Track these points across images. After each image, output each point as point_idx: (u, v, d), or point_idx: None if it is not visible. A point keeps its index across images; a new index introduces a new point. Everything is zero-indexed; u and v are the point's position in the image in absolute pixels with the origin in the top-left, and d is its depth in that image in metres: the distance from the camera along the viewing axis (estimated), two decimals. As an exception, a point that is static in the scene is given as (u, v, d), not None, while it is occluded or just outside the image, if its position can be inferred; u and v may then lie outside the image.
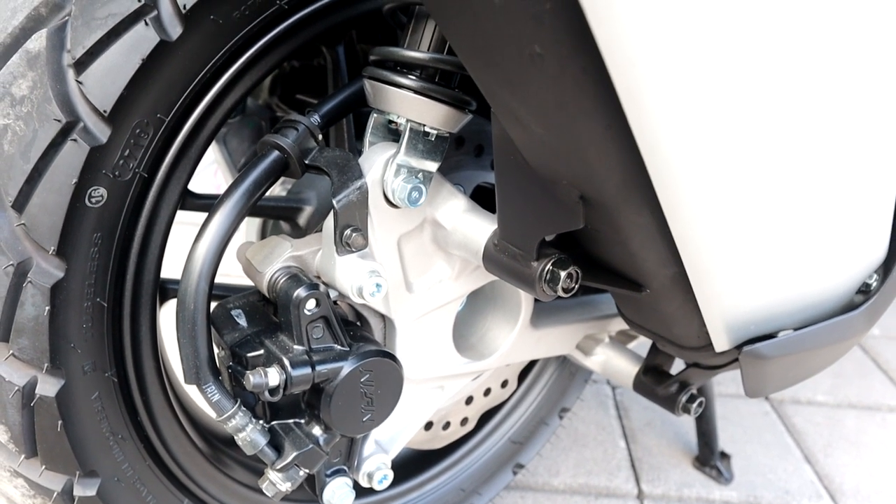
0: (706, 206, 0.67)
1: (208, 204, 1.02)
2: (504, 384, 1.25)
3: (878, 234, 0.89)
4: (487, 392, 1.24)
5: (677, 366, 1.17)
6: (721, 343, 0.89)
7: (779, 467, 1.74)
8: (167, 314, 0.92)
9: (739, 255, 0.75)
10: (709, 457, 1.68)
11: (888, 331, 2.45)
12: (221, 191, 0.83)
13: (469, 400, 1.21)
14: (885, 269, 0.95)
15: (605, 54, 0.51)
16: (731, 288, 0.79)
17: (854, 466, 1.76)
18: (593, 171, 0.67)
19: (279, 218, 1.12)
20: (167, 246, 0.89)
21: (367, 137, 0.88)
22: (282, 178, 1.25)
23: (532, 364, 1.39)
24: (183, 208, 0.95)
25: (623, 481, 1.64)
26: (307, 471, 0.86)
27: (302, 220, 1.09)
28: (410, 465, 1.28)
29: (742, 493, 1.64)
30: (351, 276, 0.84)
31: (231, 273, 1.15)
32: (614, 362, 1.23)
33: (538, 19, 0.52)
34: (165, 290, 1.03)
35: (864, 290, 0.96)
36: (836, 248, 0.84)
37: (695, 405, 1.15)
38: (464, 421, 1.24)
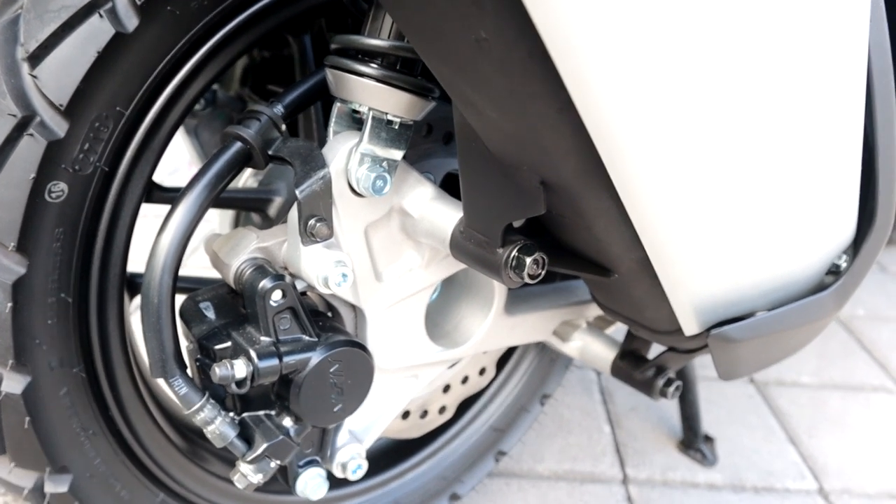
0: (661, 189, 0.66)
1: (175, 196, 1.01)
2: (482, 372, 1.25)
3: (844, 213, 0.88)
4: (465, 380, 1.24)
5: (654, 350, 1.17)
6: (690, 327, 0.89)
7: (763, 449, 1.74)
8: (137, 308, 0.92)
9: (700, 238, 0.74)
10: (693, 440, 1.69)
11: (873, 311, 2.46)
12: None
13: (446, 388, 1.21)
14: (854, 250, 0.95)
15: (545, 38, 0.50)
16: (694, 271, 0.79)
17: (838, 447, 1.77)
18: (550, 156, 0.66)
19: (250, 209, 1.11)
20: (134, 240, 0.88)
21: (331, 127, 0.87)
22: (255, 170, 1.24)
23: (511, 351, 1.39)
24: (149, 201, 0.95)
25: (608, 466, 1.64)
26: (278, 462, 0.86)
27: (272, 211, 1.08)
28: (390, 454, 1.28)
29: (726, 475, 1.64)
30: (316, 267, 0.84)
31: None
32: (592, 348, 1.23)
33: (479, 4, 0.51)
34: (134, 284, 1.02)
35: (834, 271, 0.96)
36: (802, 230, 0.84)
37: (672, 389, 1.15)
38: (442, 409, 1.24)
